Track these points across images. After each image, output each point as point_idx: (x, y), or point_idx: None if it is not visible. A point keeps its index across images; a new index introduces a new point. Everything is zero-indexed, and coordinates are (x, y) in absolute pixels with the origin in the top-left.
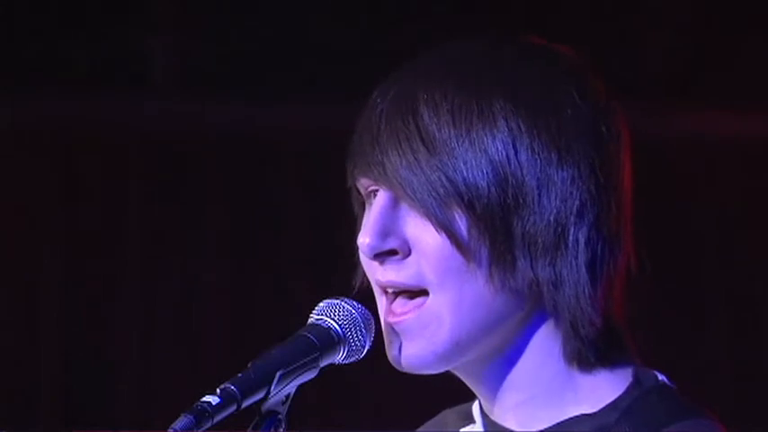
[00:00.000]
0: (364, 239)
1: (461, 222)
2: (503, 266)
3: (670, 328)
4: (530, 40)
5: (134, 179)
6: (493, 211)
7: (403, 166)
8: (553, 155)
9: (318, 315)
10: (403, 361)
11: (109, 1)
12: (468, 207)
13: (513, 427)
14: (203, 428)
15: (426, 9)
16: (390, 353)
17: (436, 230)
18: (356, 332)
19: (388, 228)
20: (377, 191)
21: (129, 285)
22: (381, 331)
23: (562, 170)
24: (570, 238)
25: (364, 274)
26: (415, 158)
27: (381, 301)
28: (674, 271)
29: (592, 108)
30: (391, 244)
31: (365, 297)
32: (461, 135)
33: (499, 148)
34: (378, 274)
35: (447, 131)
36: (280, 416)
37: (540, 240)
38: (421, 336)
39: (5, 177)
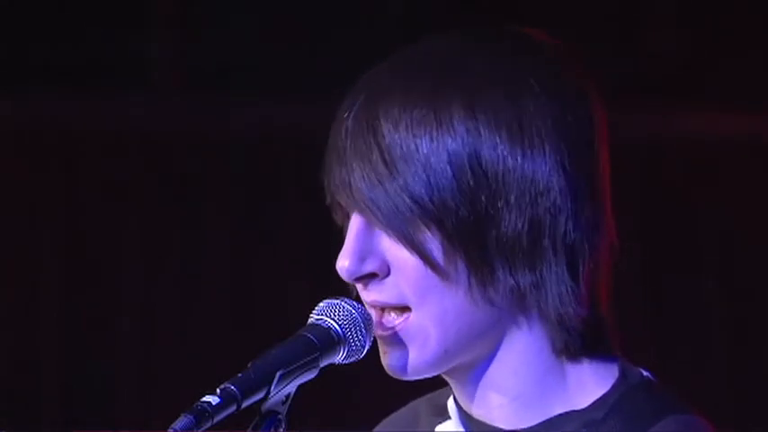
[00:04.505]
0: (342, 264)
1: (434, 241)
2: (481, 279)
3: (669, 327)
4: (498, 30)
5: (134, 179)
6: (464, 226)
7: (368, 188)
8: (518, 156)
9: (318, 315)
10: (395, 370)
11: (109, 1)
12: (439, 225)
13: (498, 425)
14: (203, 428)
15: (427, 9)
16: (383, 361)
17: (409, 252)
18: (356, 332)
19: (365, 250)
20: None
21: (130, 285)
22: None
23: (530, 170)
24: (546, 239)
25: None
26: (379, 180)
27: (372, 313)
28: (674, 271)
29: (557, 98)
30: (369, 267)
31: None
32: (422, 151)
33: (462, 159)
34: (362, 293)
35: (407, 148)
36: (280, 416)
37: (516, 247)
38: (410, 347)
39: (5, 177)
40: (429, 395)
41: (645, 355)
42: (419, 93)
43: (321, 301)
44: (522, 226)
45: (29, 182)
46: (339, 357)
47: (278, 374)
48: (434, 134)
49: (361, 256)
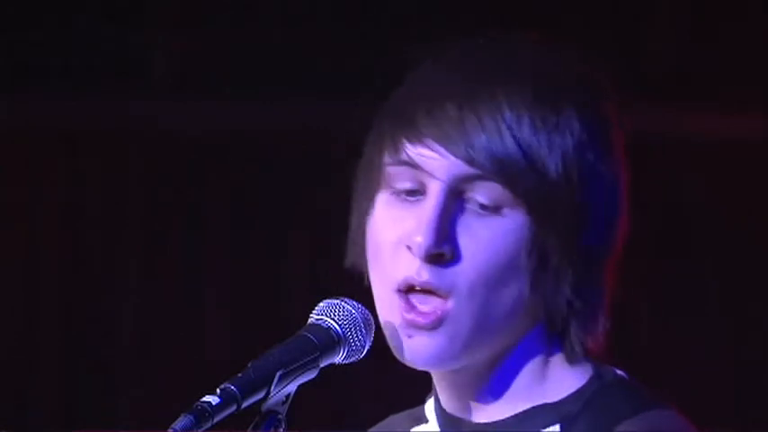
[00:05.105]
0: (423, 240)
1: (522, 217)
2: (542, 287)
3: (667, 328)
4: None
5: (134, 179)
6: (558, 222)
7: (497, 151)
8: (603, 165)
9: (318, 315)
10: (419, 356)
11: (109, 1)
12: (535, 206)
13: (474, 419)
14: (203, 428)
15: (426, 9)
16: (403, 347)
17: (491, 237)
18: (356, 332)
19: (445, 230)
20: (420, 184)
21: (129, 285)
22: (381, 331)
23: (609, 181)
24: (599, 263)
25: (355, 263)
26: (516, 144)
27: (391, 298)
28: (670, 272)
29: (603, 116)
30: (445, 248)
31: (365, 297)
32: (542, 144)
33: (572, 158)
34: (411, 270)
35: (530, 139)
36: (280, 416)
37: (578, 266)
38: (440, 335)
39: (5, 177)
40: (407, 411)
41: (644, 356)
42: (540, 94)
43: (321, 301)
44: (591, 247)
45: (28, 182)
46: (339, 357)
47: (278, 374)
48: (556, 131)
49: (442, 235)
